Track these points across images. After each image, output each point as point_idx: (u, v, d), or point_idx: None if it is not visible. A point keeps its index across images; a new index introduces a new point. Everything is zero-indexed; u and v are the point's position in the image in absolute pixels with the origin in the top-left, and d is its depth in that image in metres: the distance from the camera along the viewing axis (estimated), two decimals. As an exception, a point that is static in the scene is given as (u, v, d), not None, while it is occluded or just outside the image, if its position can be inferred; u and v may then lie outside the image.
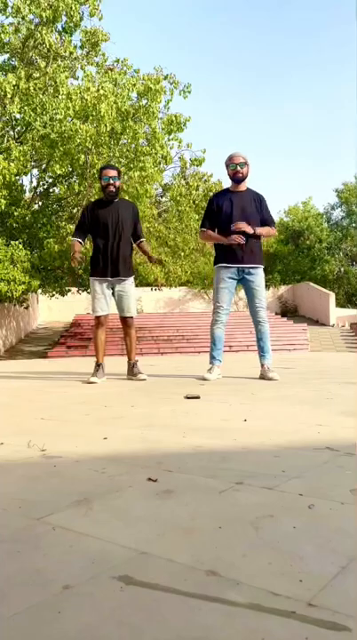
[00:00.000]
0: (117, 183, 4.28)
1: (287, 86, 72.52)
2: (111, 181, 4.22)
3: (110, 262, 4.20)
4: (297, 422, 2.02)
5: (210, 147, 65.21)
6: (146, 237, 14.49)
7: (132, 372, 4.29)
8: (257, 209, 4.06)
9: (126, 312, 4.29)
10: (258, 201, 4.10)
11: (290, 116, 72.12)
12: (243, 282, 4.05)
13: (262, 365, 4.03)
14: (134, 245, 4.44)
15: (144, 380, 4.15)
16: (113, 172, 4.26)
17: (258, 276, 4.03)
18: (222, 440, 1.70)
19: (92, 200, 12.20)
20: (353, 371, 5.01)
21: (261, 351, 4.07)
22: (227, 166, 4.07)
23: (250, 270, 4.01)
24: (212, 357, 4.09)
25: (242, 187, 4.08)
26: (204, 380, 3.93)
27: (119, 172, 4.35)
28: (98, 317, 4.27)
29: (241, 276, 4.03)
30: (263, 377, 3.96)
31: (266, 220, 4.12)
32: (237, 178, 4.02)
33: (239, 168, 3.99)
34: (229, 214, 3.98)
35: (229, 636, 0.59)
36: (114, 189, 4.24)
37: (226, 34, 75.01)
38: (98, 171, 11.70)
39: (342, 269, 27.20)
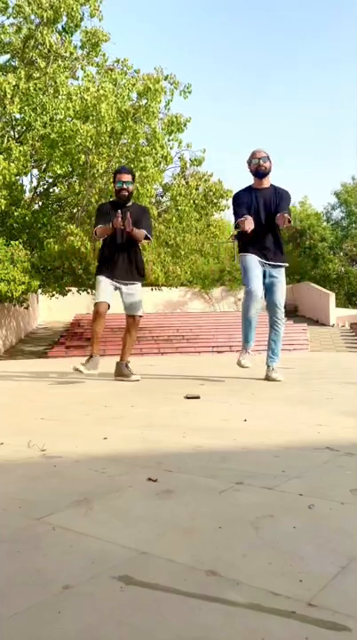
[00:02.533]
0: (131, 188, 4.21)
1: (287, 86, 72.60)
2: (124, 186, 4.17)
3: (118, 266, 4.14)
4: (297, 422, 2.02)
5: (210, 147, 65.30)
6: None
7: (123, 372, 4.20)
8: (276, 204, 3.93)
9: (134, 310, 4.22)
10: (279, 196, 3.96)
11: (290, 116, 72.18)
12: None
13: (268, 366, 3.99)
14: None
15: (137, 380, 4.11)
16: (127, 177, 4.19)
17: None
18: (222, 440, 1.70)
19: (93, 200, 12.30)
20: (353, 371, 5.01)
21: (272, 353, 4.01)
22: (249, 163, 3.98)
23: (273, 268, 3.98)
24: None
25: (266, 183, 3.99)
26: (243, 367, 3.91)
27: (133, 176, 4.29)
28: (98, 304, 4.05)
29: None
30: (268, 378, 3.93)
31: (282, 209, 3.96)
32: (260, 172, 3.93)
33: (261, 162, 3.91)
34: (255, 212, 3.89)
35: (229, 636, 0.59)
36: (126, 194, 4.19)
37: (225, 34, 75.13)
38: (106, 173, 11.71)
39: (342, 269, 27.20)
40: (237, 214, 3.92)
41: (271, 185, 4.02)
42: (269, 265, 3.93)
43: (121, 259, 4.16)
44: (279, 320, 3.97)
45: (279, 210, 3.92)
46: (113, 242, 4.16)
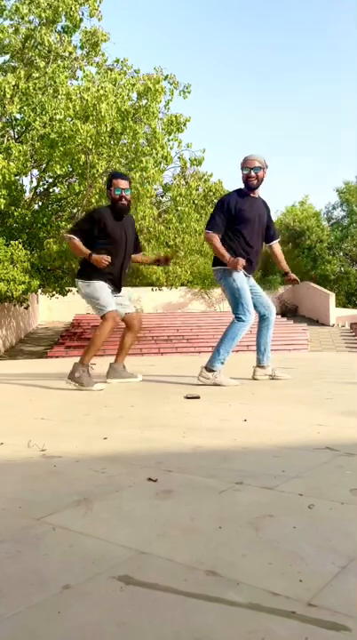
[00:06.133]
0: (129, 196, 3.79)
1: (287, 85, 72.63)
2: (124, 194, 3.74)
3: (117, 280, 3.87)
4: (297, 422, 2.02)
5: (210, 146, 65.37)
6: (147, 238, 14.55)
7: (122, 374, 4.07)
8: (266, 218, 3.86)
9: (132, 308, 4.05)
10: (267, 209, 3.89)
11: (290, 114, 72.23)
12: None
13: (268, 366, 3.96)
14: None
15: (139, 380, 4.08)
16: (126, 184, 3.76)
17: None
18: (222, 440, 1.70)
19: (93, 200, 12.29)
20: (353, 371, 5.01)
21: (268, 353, 3.95)
22: (241, 169, 3.69)
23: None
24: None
25: (256, 192, 3.78)
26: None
27: (130, 183, 3.87)
28: (116, 313, 3.74)
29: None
30: (275, 377, 3.91)
31: (275, 234, 3.96)
32: (250, 184, 3.66)
33: (252, 173, 3.62)
34: (251, 221, 3.70)
35: (229, 636, 0.59)
36: (126, 203, 3.77)
37: (226, 33, 75.18)
38: (106, 173, 11.69)
39: (342, 269, 27.20)
40: (217, 219, 3.63)
41: (258, 195, 3.84)
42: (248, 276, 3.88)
43: (119, 275, 3.88)
44: (273, 319, 3.95)
45: (274, 235, 3.92)
46: (115, 257, 3.79)
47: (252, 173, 3.64)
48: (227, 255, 3.60)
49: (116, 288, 3.91)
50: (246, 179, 3.67)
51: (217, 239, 3.65)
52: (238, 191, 3.77)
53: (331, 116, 72.95)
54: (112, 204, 3.80)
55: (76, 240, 3.74)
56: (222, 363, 3.62)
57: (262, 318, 3.90)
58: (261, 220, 3.78)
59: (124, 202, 3.76)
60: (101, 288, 3.75)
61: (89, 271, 3.77)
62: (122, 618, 0.64)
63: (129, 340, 4.13)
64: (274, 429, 1.87)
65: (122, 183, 3.76)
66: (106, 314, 3.68)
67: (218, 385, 3.54)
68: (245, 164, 3.66)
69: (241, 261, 3.54)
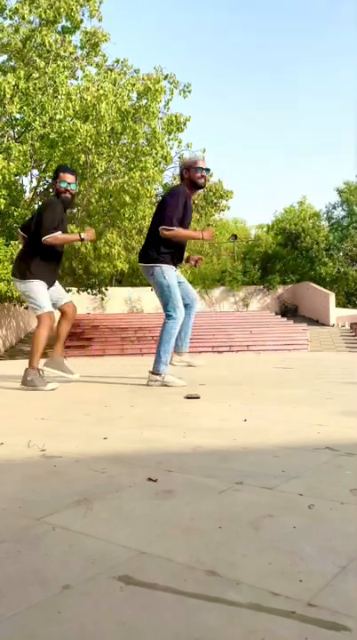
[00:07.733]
0: (74, 191, 3.93)
1: (287, 85, 72.62)
2: (69, 187, 3.86)
3: (53, 274, 3.96)
4: (297, 422, 2.02)
5: (210, 146, 65.34)
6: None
7: (61, 367, 4.12)
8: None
9: (67, 298, 4.12)
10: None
11: (290, 114, 72.22)
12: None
13: (185, 353, 3.98)
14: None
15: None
16: (72, 178, 3.89)
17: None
18: (222, 440, 1.70)
19: (93, 200, 12.27)
20: (353, 371, 5.01)
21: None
22: (192, 169, 3.77)
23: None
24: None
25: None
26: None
27: (76, 179, 4.00)
28: (51, 313, 3.86)
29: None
30: (191, 364, 4.00)
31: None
32: (201, 184, 3.80)
33: (206, 173, 3.77)
34: (190, 216, 3.82)
35: (229, 636, 0.59)
36: (70, 197, 3.90)
37: (226, 33, 75.16)
38: (106, 173, 11.66)
39: (341, 269, 27.17)
40: (176, 214, 3.69)
41: None
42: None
43: (57, 267, 4.03)
44: (196, 307, 4.02)
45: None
46: (59, 249, 3.95)
47: (205, 174, 3.78)
48: (199, 232, 3.78)
49: (52, 282, 3.98)
50: (200, 178, 3.77)
51: (179, 228, 3.70)
52: (187, 187, 3.84)
53: (331, 116, 72.98)
54: (56, 196, 3.91)
55: (58, 234, 3.80)
56: (165, 364, 3.68)
57: (185, 307, 3.87)
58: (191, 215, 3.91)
59: (68, 195, 3.87)
60: (38, 288, 3.83)
61: (24, 269, 3.85)
62: (122, 618, 0.64)
63: (64, 329, 4.19)
64: (274, 429, 1.87)
65: (69, 177, 3.87)
66: (41, 314, 3.78)
67: (167, 385, 3.59)
68: (198, 164, 3.77)
69: (211, 229, 3.74)
